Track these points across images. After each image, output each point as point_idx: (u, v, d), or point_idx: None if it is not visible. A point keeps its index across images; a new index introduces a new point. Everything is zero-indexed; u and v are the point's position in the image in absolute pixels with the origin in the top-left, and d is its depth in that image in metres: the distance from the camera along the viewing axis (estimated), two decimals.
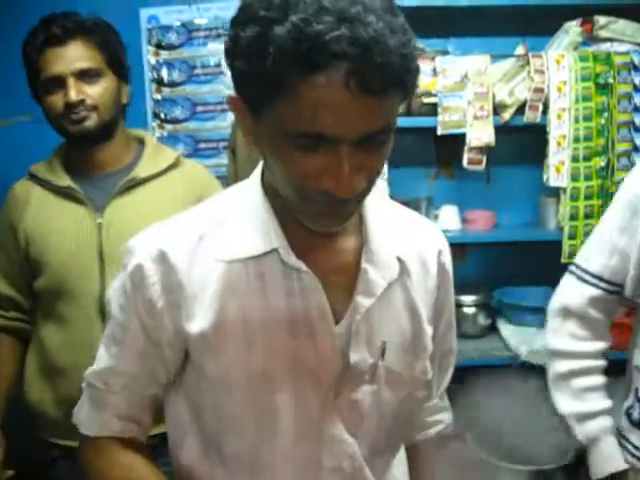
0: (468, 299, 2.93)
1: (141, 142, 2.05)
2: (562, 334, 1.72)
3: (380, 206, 1.17)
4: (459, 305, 2.91)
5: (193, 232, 1.09)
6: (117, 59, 1.93)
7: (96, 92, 1.85)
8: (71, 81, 1.81)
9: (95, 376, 1.18)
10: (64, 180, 1.91)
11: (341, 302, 1.08)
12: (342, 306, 1.08)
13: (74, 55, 1.83)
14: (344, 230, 1.10)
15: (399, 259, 1.12)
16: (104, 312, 1.77)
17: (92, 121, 1.85)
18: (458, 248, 3.11)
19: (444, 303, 1.25)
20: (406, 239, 1.15)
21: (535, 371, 2.71)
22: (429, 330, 1.19)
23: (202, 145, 3.02)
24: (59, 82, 1.82)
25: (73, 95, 1.81)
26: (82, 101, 1.82)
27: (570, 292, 1.73)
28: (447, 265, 1.23)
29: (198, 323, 1.06)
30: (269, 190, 1.08)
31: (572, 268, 1.73)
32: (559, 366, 1.72)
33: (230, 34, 0.92)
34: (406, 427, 1.25)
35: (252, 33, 0.87)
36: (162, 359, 1.13)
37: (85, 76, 1.84)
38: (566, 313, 1.73)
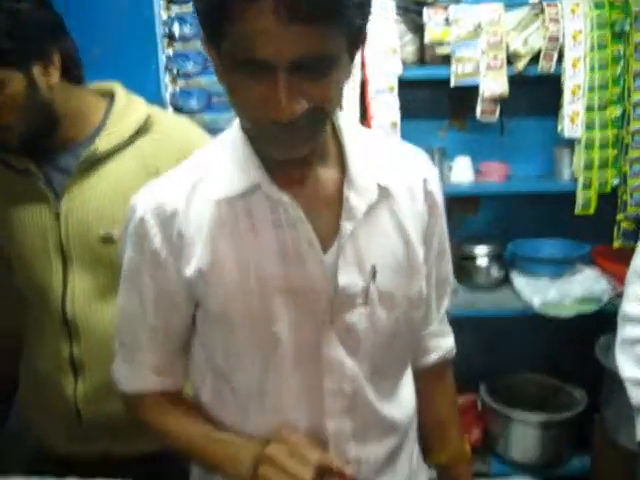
0: (481, 251, 2.93)
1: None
2: (632, 298, 1.72)
3: (365, 137, 1.21)
4: (472, 257, 2.92)
5: (187, 181, 1.16)
6: (27, 45, 1.44)
7: None
8: None
9: (121, 331, 1.27)
10: (22, 161, 1.55)
11: (328, 231, 1.14)
12: (330, 235, 1.14)
13: None
14: (324, 162, 1.15)
15: (380, 185, 1.16)
16: (67, 321, 1.57)
17: (13, 141, 1.49)
18: (471, 200, 3.11)
19: (434, 229, 1.27)
20: (390, 168, 1.19)
21: (547, 322, 2.74)
22: (421, 252, 1.22)
23: (215, 99, 3.00)
24: None
25: None
26: None
27: None
28: (434, 192, 1.25)
29: (195, 263, 1.13)
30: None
31: None
32: (628, 331, 1.72)
33: None
34: (406, 347, 1.29)
35: None
36: (176, 307, 1.20)
37: None
38: (638, 276, 1.72)
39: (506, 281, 2.99)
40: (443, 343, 1.42)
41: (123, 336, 1.26)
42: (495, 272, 2.95)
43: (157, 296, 1.19)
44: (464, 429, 1.49)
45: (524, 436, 2.89)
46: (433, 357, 1.41)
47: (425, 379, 1.41)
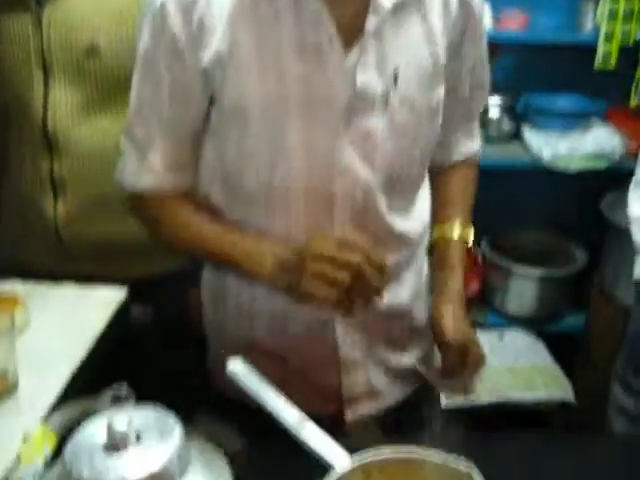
0: (493, 102, 2.85)
1: None
2: None
3: None
4: (484, 108, 2.85)
5: None
6: None
7: None
8: None
9: (133, 125, 1.22)
10: None
11: (353, 29, 1.10)
12: (354, 33, 1.10)
13: None
14: None
15: None
16: (48, 136, 1.53)
17: None
18: (489, 49, 3.00)
19: (470, 38, 1.23)
20: None
21: (555, 178, 2.71)
22: (443, 62, 1.19)
23: None
24: None
25: None
26: None
27: None
28: (474, 4, 1.20)
29: (214, 48, 1.10)
30: None
31: None
32: None
33: None
34: (424, 159, 1.27)
35: None
36: (191, 99, 1.17)
37: None
38: None
39: (517, 135, 2.93)
40: (471, 144, 1.43)
41: (135, 130, 1.22)
42: (506, 124, 2.89)
43: (172, 87, 1.16)
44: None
45: (522, 290, 2.92)
46: (459, 155, 1.41)
47: (448, 173, 1.41)
